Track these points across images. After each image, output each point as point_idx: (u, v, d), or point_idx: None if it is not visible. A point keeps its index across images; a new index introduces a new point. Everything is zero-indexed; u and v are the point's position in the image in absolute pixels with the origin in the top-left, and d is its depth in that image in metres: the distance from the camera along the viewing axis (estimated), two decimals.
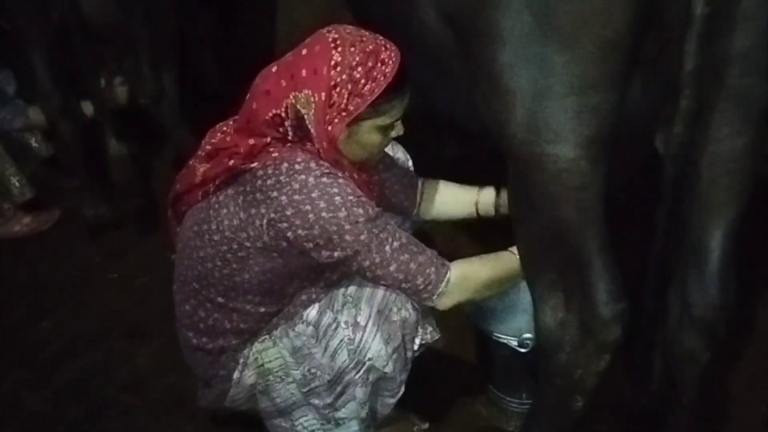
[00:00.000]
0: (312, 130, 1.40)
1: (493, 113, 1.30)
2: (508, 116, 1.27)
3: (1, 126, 2.59)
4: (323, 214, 1.37)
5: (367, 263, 1.41)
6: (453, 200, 1.78)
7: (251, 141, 1.43)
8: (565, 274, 1.39)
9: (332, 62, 1.37)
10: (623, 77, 1.21)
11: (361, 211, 1.39)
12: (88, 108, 2.54)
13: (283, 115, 1.41)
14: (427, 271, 1.44)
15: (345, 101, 1.38)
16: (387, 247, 1.40)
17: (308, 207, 1.37)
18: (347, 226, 1.37)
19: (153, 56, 2.48)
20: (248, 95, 1.47)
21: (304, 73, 1.39)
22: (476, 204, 1.76)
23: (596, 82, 1.19)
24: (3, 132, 2.60)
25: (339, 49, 1.38)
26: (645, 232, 1.37)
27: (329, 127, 1.40)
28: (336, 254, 1.40)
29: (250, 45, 3.63)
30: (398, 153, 1.82)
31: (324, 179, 1.38)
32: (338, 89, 1.37)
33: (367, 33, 1.43)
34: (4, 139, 2.62)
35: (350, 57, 1.37)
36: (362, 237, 1.38)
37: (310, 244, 1.40)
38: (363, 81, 1.38)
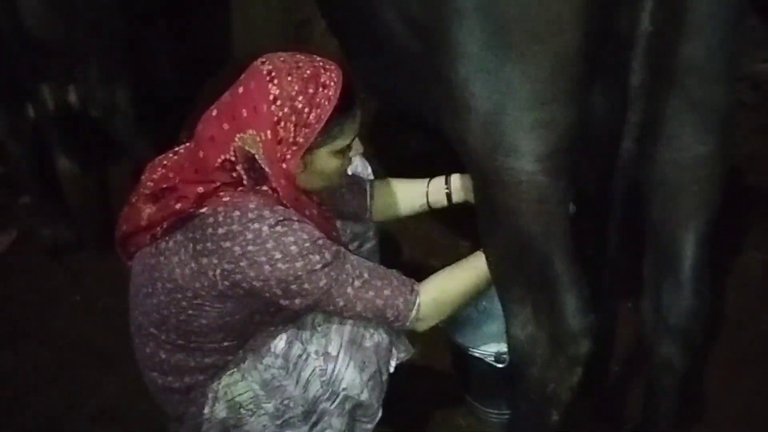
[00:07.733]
0: (267, 170, 1.33)
1: (453, 125, 1.27)
2: (467, 129, 1.24)
3: None
4: (279, 265, 1.31)
5: (331, 308, 1.37)
6: (403, 196, 1.72)
7: (200, 189, 1.35)
8: (533, 288, 1.36)
9: (271, 97, 1.30)
10: (580, 91, 1.18)
11: (317, 258, 1.33)
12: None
13: (233, 159, 1.33)
14: (395, 303, 1.39)
15: (293, 134, 1.31)
16: (348, 289, 1.35)
17: (263, 258, 1.30)
18: (304, 275, 1.32)
19: (102, 68, 2.37)
20: (192, 143, 1.39)
21: (244, 113, 1.31)
22: (426, 194, 1.69)
23: (552, 97, 1.16)
24: None
25: (276, 81, 1.31)
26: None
27: (283, 165, 1.33)
28: (297, 302, 1.35)
29: (207, 49, 3.53)
30: (355, 161, 1.75)
31: (278, 228, 1.31)
32: (283, 123, 1.30)
33: (303, 57, 1.35)
34: None
35: (288, 87, 1.30)
36: (321, 283, 1.33)
37: (268, 294, 1.34)
38: (307, 110, 1.31)
